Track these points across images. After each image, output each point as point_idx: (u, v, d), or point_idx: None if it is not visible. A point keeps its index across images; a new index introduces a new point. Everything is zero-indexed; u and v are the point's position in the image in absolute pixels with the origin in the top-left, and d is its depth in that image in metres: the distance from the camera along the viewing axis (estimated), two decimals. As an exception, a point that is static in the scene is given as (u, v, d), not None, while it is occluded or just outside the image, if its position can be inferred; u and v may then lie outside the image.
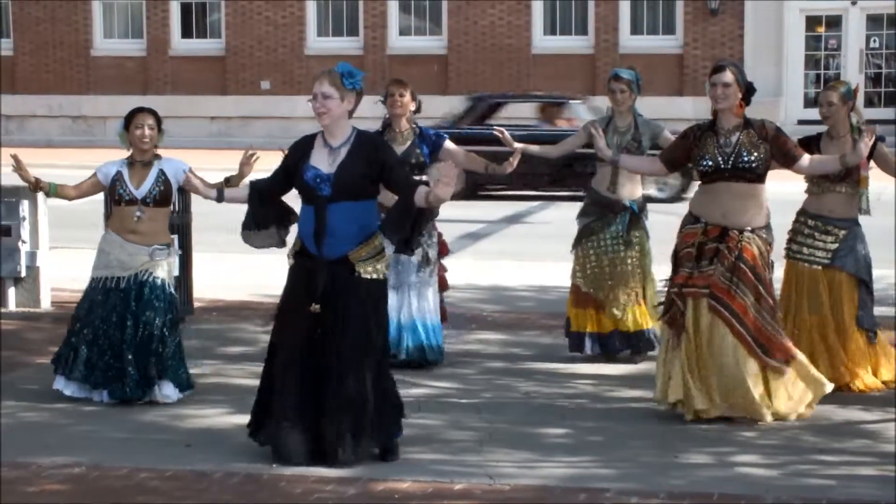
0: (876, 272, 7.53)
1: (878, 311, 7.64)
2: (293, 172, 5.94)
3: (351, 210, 5.81)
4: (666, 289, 6.78)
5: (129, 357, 6.89)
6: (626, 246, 7.85)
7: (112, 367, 6.93)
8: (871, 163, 7.16)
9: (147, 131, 7.01)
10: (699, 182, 6.75)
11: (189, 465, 5.97)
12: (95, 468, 5.93)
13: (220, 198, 6.27)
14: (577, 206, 8.35)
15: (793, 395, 6.63)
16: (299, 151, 5.98)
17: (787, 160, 6.69)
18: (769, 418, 6.55)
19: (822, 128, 7.38)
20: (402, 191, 5.87)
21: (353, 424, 5.80)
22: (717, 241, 6.56)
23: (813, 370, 6.73)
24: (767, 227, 6.67)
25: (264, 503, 5.46)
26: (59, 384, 7.04)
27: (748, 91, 6.62)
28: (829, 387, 6.74)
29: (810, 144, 7.28)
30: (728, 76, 6.57)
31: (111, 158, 7.23)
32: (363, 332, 5.82)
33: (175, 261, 7.24)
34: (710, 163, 6.58)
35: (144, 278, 6.97)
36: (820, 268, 7.26)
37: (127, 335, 6.91)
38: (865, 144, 6.55)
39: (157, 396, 6.96)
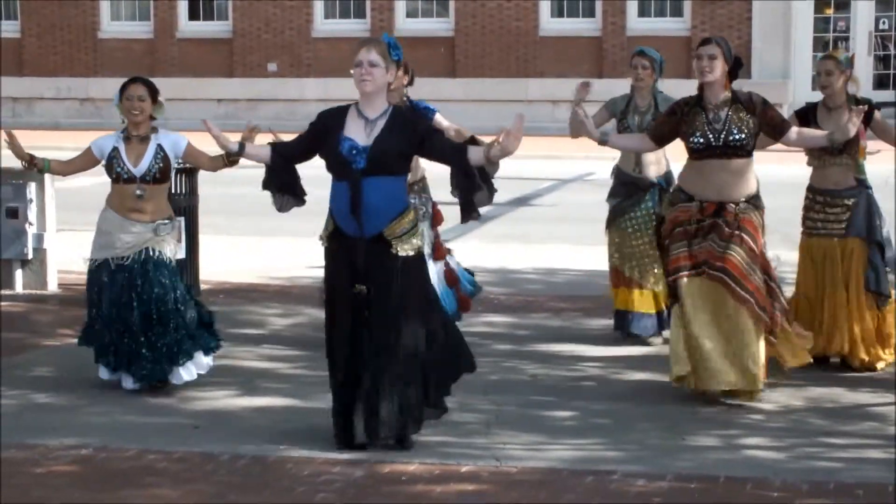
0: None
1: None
2: (322, 140, 5.82)
3: (385, 185, 5.71)
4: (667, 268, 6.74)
5: (142, 339, 6.74)
6: (658, 222, 7.81)
7: (131, 350, 6.78)
8: (869, 131, 7.17)
9: (137, 103, 6.76)
10: (688, 158, 6.72)
11: (197, 446, 5.98)
12: (103, 450, 5.94)
13: (240, 150, 6.03)
14: (583, 189, 8.33)
15: (794, 350, 6.69)
16: (332, 121, 5.83)
17: (776, 133, 6.71)
18: (759, 386, 6.55)
19: None
20: (451, 157, 5.75)
21: (406, 402, 5.80)
22: (713, 217, 6.57)
23: (794, 338, 6.77)
24: (757, 194, 6.69)
25: (272, 485, 5.47)
26: (102, 373, 6.91)
27: (735, 66, 6.60)
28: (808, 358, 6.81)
29: (807, 115, 7.28)
30: (714, 49, 6.56)
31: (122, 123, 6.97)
32: (408, 308, 5.77)
33: (178, 233, 7.05)
34: (701, 140, 6.56)
35: (149, 254, 6.79)
36: (836, 239, 7.25)
37: (135, 316, 6.76)
38: (853, 124, 6.54)
39: (180, 377, 6.80)
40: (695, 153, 6.63)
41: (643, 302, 7.89)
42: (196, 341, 6.86)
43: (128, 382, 6.88)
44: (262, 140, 6.72)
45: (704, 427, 6.26)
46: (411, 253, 5.80)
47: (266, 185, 6.02)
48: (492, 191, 5.79)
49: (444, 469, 5.64)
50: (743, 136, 6.53)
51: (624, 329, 8.00)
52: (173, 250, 6.94)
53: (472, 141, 7.10)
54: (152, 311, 6.77)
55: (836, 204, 7.24)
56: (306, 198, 6.06)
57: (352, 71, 5.80)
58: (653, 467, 5.64)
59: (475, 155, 5.69)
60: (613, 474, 5.55)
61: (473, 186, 5.72)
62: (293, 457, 5.81)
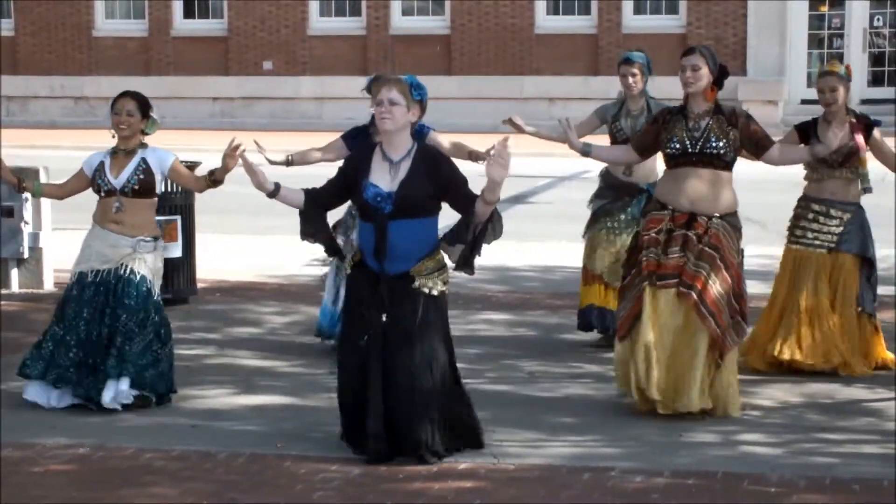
0: (878, 252, 7.51)
1: (880, 290, 7.61)
2: (352, 184, 5.78)
3: (412, 228, 5.65)
4: (629, 275, 6.57)
5: (93, 353, 6.47)
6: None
7: (79, 365, 6.49)
8: (867, 146, 7.14)
9: (124, 117, 6.61)
10: (665, 166, 6.65)
11: (194, 445, 5.98)
12: (100, 448, 5.94)
13: (273, 193, 5.85)
14: (579, 186, 8.32)
15: (727, 385, 6.43)
16: (358, 165, 5.80)
17: (758, 149, 6.59)
18: (695, 408, 6.28)
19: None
20: (465, 210, 5.70)
21: (415, 438, 5.66)
22: (684, 228, 6.42)
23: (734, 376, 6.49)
24: (735, 214, 6.54)
25: (270, 483, 5.47)
26: (26, 391, 6.57)
27: (720, 75, 6.54)
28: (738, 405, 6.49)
29: (808, 130, 7.21)
30: (697, 59, 6.46)
31: (113, 140, 7.03)
32: (425, 347, 5.67)
33: (160, 255, 6.73)
34: (678, 146, 6.48)
35: (123, 273, 6.56)
36: (825, 251, 7.22)
37: (100, 333, 6.51)
38: (834, 134, 6.50)
39: (104, 399, 6.45)
40: (671, 160, 6.53)
41: (602, 297, 7.80)
42: (128, 370, 6.48)
43: (56, 398, 6.56)
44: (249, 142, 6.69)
45: (702, 423, 6.26)
46: (435, 292, 5.71)
47: (303, 235, 5.92)
48: (470, 258, 5.72)
49: (442, 466, 5.63)
50: (721, 144, 6.42)
51: (590, 325, 7.87)
52: (152, 270, 6.64)
53: (473, 156, 6.79)
54: (111, 331, 6.51)
55: (830, 215, 7.18)
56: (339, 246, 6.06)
57: (371, 109, 5.75)
58: (651, 464, 5.65)
59: (479, 206, 5.65)
60: (611, 471, 5.55)
61: (462, 239, 5.68)
62: (291, 455, 5.81)
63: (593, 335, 8.00)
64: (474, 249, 5.73)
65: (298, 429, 6.18)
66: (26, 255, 9.62)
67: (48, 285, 9.71)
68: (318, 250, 8.22)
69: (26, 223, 9.54)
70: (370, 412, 5.64)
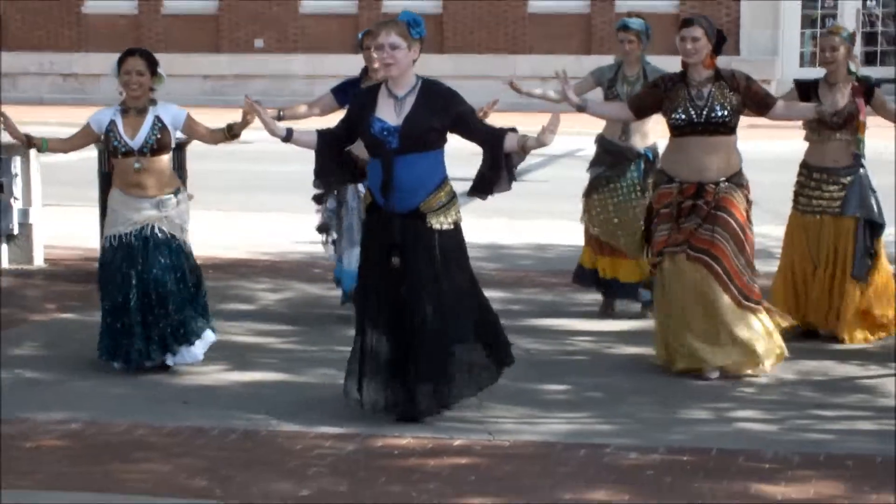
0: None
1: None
2: (357, 124, 5.84)
3: (418, 162, 5.72)
4: (650, 250, 6.72)
5: (138, 319, 6.60)
6: (642, 193, 7.76)
7: (121, 331, 6.63)
8: (869, 108, 7.16)
9: (136, 77, 6.61)
10: (670, 137, 6.69)
11: (187, 421, 5.96)
12: (93, 424, 5.92)
13: (287, 138, 5.97)
14: (573, 165, 8.29)
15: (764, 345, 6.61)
16: (362, 103, 5.88)
17: (761, 108, 6.67)
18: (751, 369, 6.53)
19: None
20: (487, 141, 5.75)
21: (437, 377, 5.79)
22: (693, 198, 6.51)
23: (776, 335, 6.66)
24: (740, 172, 6.63)
25: (263, 459, 5.45)
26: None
27: (718, 41, 6.56)
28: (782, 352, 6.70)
29: (808, 90, 7.24)
30: (697, 30, 6.51)
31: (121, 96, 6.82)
32: (445, 281, 5.76)
33: (186, 207, 6.87)
34: (683, 116, 6.52)
35: (148, 233, 6.66)
36: (830, 217, 7.22)
37: (133, 295, 6.62)
38: (842, 95, 6.54)
39: (177, 360, 6.68)
40: (676, 130, 6.59)
41: (629, 272, 7.86)
42: (202, 321, 6.75)
43: (119, 363, 6.72)
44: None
45: (696, 400, 6.26)
46: (447, 226, 5.81)
47: (318, 174, 6.05)
48: (512, 179, 5.82)
49: (437, 443, 5.62)
50: (725, 112, 6.49)
51: (611, 297, 8.01)
52: (177, 225, 6.77)
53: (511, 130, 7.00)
54: (150, 292, 6.63)
55: (832, 182, 7.20)
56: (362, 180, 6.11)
57: (374, 54, 5.80)
58: (645, 440, 5.64)
59: (510, 143, 5.71)
60: (606, 447, 5.54)
61: (499, 173, 5.75)
62: (284, 431, 5.79)
63: (586, 308, 7.99)
64: (509, 175, 5.78)
65: (291, 405, 6.16)
66: (16, 232, 9.56)
67: (38, 261, 9.66)
68: (309, 229, 8.19)
69: (16, 199, 9.48)
70: (391, 367, 5.78)
